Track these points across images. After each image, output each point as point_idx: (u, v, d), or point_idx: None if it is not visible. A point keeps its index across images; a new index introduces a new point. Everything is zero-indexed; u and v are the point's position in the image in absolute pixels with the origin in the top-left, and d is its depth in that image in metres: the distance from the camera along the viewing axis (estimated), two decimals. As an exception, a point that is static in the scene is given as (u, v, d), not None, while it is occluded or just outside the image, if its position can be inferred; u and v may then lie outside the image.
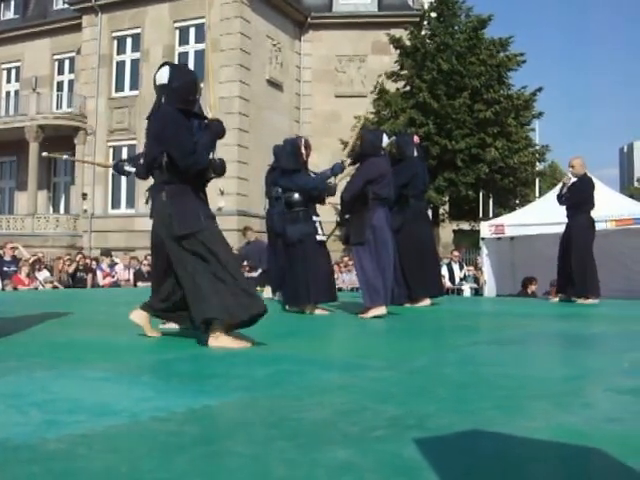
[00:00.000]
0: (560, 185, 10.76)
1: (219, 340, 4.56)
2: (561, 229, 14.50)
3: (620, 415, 2.60)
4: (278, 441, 2.16)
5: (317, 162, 29.60)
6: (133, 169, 6.17)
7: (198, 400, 2.78)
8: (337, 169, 8.03)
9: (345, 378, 3.45)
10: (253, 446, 2.11)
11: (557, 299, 10.53)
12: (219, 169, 4.82)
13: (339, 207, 7.90)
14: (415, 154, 9.11)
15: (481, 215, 30.52)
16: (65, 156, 7.66)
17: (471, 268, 17.18)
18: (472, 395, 2.96)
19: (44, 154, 9.12)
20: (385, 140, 7.42)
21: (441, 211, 27.35)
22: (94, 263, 19.09)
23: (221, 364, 3.88)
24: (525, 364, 3.99)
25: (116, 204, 28.96)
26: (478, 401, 2.82)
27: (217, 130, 4.82)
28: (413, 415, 2.55)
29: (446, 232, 31.96)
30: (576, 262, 9.79)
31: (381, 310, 7.05)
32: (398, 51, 26.37)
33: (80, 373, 3.48)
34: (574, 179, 10.25)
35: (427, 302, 8.90)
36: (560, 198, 10.39)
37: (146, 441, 2.16)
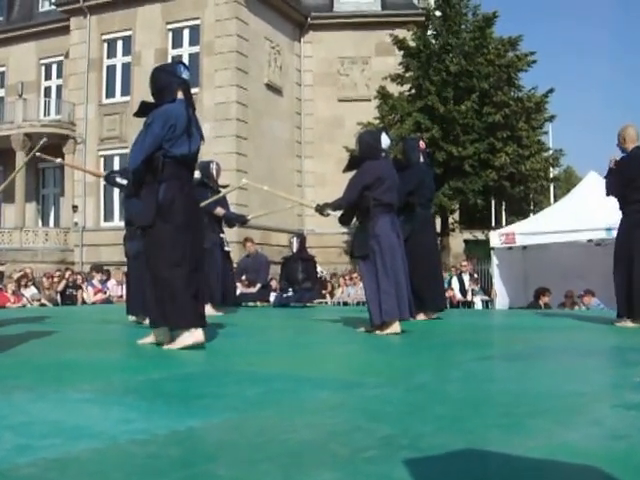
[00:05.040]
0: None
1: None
2: (576, 237, 14.58)
3: (626, 432, 2.60)
4: (262, 463, 2.16)
5: (321, 170, 29.87)
6: (125, 181, 6.19)
7: (182, 421, 2.78)
8: None
9: (340, 396, 3.46)
10: (235, 469, 2.11)
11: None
12: None
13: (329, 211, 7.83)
14: (421, 160, 9.11)
15: (493, 224, 30.54)
16: (59, 160, 7.68)
17: (471, 281, 17.14)
18: (471, 413, 2.96)
19: (37, 153, 9.10)
20: (385, 141, 7.19)
21: (450, 220, 27.32)
22: (80, 278, 19.02)
23: (211, 383, 3.89)
24: (531, 380, 3.98)
25: (109, 216, 28.92)
26: (477, 419, 2.83)
27: None
28: (407, 435, 2.56)
29: (457, 242, 31.90)
30: (637, 273, 7.54)
31: (395, 327, 6.85)
32: (402, 52, 26.43)
33: (61, 395, 3.47)
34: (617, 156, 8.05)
35: (422, 317, 8.84)
36: (608, 186, 8.13)
37: (123, 465, 2.17)
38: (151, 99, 5.77)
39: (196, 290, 5.53)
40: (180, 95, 5.62)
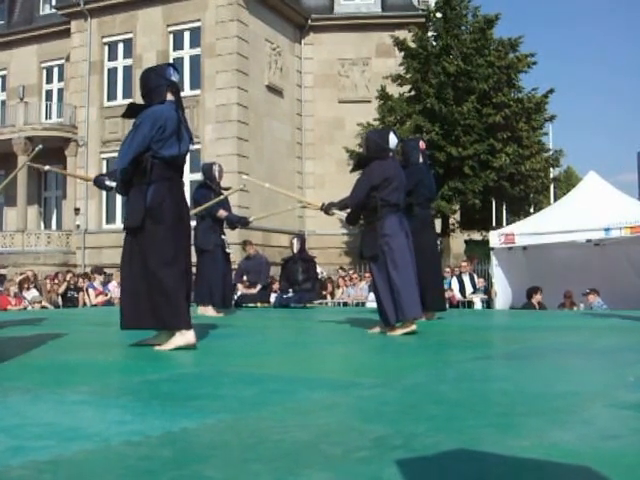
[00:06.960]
0: None
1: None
2: (576, 237, 14.56)
3: (618, 432, 2.60)
4: (253, 464, 2.16)
5: (321, 172, 29.90)
6: (114, 183, 6.16)
7: (176, 422, 2.78)
8: None
9: (335, 397, 3.45)
10: (226, 470, 2.11)
11: None
12: None
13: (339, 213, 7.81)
14: (420, 160, 9.10)
15: (494, 224, 30.52)
16: (47, 167, 7.74)
17: (481, 280, 17.15)
18: (465, 413, 2.96)
19: (28, 163, 9.21)
20: (393, 140, 7.08)
21: (451, 220, 27.32)
22: (82, 280, 19.00)
23: (207, 384, 3.89)
24: (526, 379, 3.98)
25: (111, 219, 28.89)
26: (471, 419, 2.82)
27: None
28: (400, 435, 2.55)
29: (457, 243, 31.90)
30: None
31: (411, 327, 6.82)
32: (402, 54, 26.44)
33: (58, 396, 3.47)
34: None
35: (422, 318, 8.83)
36: None
37: (114, 466, 2.17)
38: None
39: (187, 291, 5.54)
40: (170, 97, 5.59)
